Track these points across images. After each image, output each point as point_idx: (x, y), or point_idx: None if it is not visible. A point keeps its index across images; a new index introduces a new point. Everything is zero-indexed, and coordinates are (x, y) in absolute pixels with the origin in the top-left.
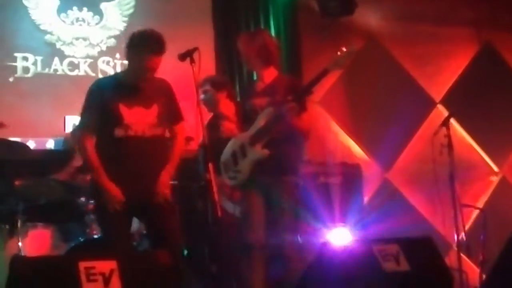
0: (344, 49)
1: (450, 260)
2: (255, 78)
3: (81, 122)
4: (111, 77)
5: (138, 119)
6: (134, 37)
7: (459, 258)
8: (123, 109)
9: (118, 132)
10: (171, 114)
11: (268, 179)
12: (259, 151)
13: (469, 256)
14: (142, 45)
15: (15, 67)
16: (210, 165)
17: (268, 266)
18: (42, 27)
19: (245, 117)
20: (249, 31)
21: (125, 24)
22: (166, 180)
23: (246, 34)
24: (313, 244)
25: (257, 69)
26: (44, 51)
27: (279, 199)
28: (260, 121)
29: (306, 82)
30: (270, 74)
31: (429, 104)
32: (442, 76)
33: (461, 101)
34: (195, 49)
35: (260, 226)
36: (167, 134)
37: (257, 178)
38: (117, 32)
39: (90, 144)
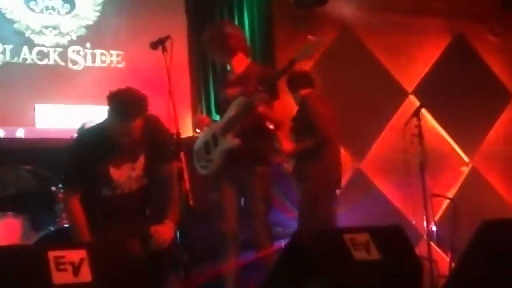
0: (312, 38)
1: (420, 249)
2: (228, 68)
3: (65, 181)
4: (99, 131)
5: (126, 177)
6: (109, 99)
7: (429, 247)
8: (113, 171)
9: (105, 192)
10: (160, 156)
11: (240, 169)
12: (230, 141)
13: (439, 245)
14: (113, 109)
15: None
16: (182, 154)
17: (240, 255)
18: (10, 16)
19: (219, 107)
20: (209, 27)
21: (97, 14)
22: (162, 238)
23: (206, 31)
24: (284, 233)
25: (225, 61)
26: (13, 40)
27: (251, 189)
28: (231, 111)
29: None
30: (240, 64)
31: (401, 95)
32: (414, 66)
33: (432, 92)
34: (167, 37)
35: (232, 215)
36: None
37: (229, 168)
38: (89, 22)
39: (74, 204)
